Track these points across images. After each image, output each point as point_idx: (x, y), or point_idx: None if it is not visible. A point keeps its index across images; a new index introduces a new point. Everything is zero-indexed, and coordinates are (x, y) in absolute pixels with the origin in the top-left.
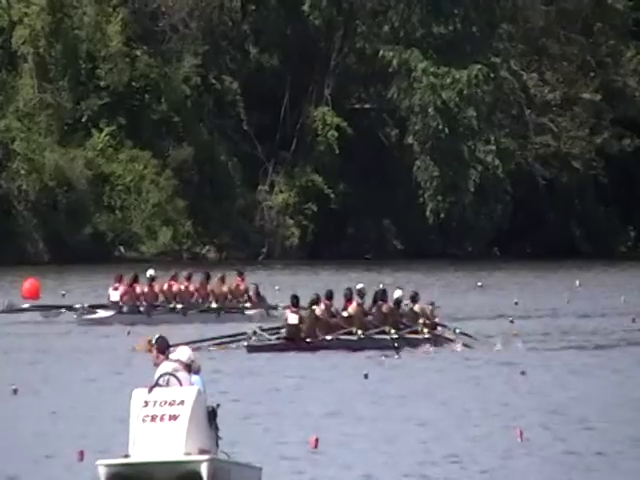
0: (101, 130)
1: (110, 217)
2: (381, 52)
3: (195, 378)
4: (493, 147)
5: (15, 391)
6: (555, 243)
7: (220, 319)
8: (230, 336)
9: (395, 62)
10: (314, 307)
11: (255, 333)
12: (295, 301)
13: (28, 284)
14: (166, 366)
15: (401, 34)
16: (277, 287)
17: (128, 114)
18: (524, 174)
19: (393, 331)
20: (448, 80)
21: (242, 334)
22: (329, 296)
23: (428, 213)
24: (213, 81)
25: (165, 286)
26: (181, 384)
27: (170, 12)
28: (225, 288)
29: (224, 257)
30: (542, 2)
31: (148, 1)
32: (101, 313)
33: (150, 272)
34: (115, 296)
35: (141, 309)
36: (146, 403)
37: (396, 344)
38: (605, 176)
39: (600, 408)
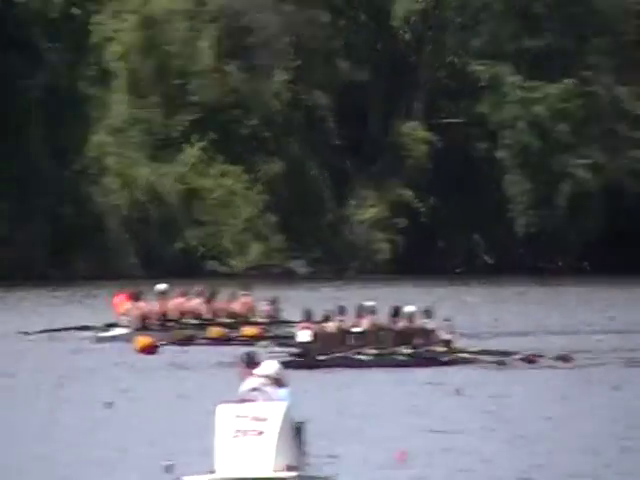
0: (192, 145)
1: (201, 232)
2: (471, 66)
3: (283, 392)
4: (585, 161)
5: (109, 405)
6: None
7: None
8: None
9: (485, 76)
10: (325, 324)
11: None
12: (307, 316)
13: (119, 299)
14: (253, 381)
15: (491, 48)
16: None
17: (219, 129)
18: (616, 188)
19: (407, 350)
20: (539, 94)
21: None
22: (341, 312)
23: (518, 227)
24: (303, 96)
25: (175, 302)
26: (268, 399)
27: (261, 27)
28: (235, 306)
29: (314, 272)
30: (635, 15)
31: (239, 17)
32: (116, 331)
33: (161, 287)
34: (124, 314)
35: (152, 327)
36: (233, 418)
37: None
38: None
39: None
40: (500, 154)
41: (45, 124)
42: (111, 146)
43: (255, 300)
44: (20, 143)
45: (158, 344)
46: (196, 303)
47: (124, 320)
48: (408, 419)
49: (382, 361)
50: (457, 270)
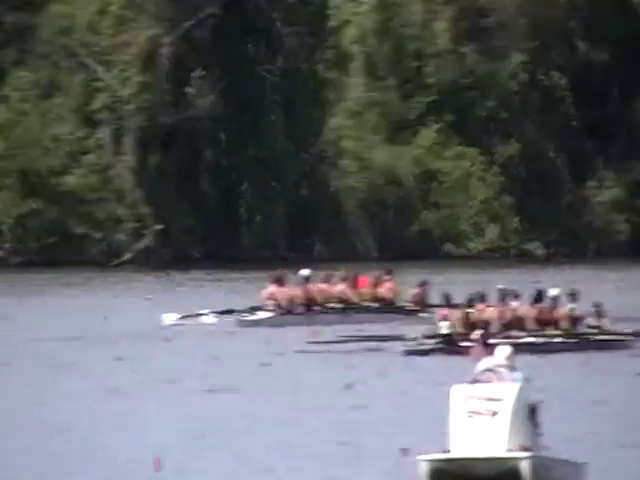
0: (428, 127)
1: (437, 214)
2: None
3: (516, 374)
4: None
5: (349, 386)
6: None
7: (381, 319)
8: (386, 338)
9: None
10: (469, 310)
11: (415, 339)
12: (446, 300)
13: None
14: (488, 361)
15: None
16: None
17: (455, 111)
18: None
19: (555, 334)
20: None
21: (400, 337)
22: (482, 298)
23: None
24: (541, 77)
25: (320, 287)
26: (502, 380)
27: (498, 8)
28: (381, 290)
29: (551, 254)
30: None
31: None
32: (260, 314)
33: (305, 272)
34: (267, 299)
35: (298, 310)
36: (467, 399)
37: None
38: None
39: None
40: None
41: (283, 108)
42: (348, 129)
43: (400, 284)
44: (259, 127)
45: None
46: (340, 288)
47: (269, 305)
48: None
49: (538, 347)
50: None
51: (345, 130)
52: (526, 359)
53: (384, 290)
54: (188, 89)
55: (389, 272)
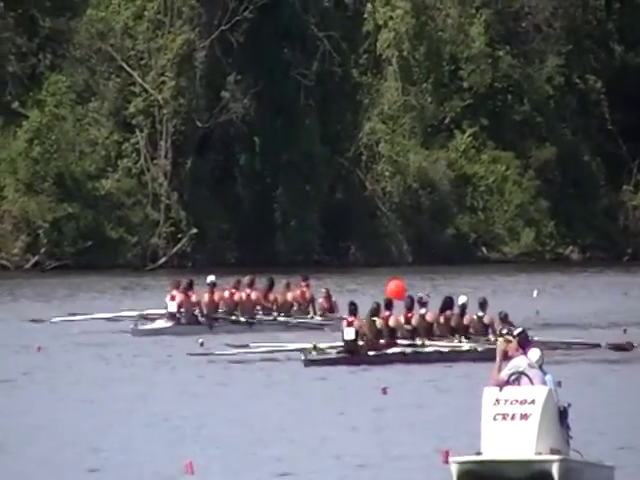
0: (463, 131)
1: (472, 218)
2: None
3: (547, 377)
4: None
5: (384, 390)
6: None
7: (288, 330)
8: (284, 348)
9: None
10: (374, 318)
11: (315, 348)
12: (353, 309)
13: (393, 284)
14: (519, 361)
15: None
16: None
17: (490, 115)
18: None
19: (465, 341)
20: None
21: (301, 350)
22: (388, 306)
23: None
24: (576, 80)
25: (226, 294)
26: (532, 383)
27: (534, 12)
28: (290, 296)
29: (587, 258)
30: None
31: (512, 1)
32: (158, 323)
33: (210, 278)
34: (172, 306)
35: (200, 320)
36: (497, 401)
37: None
38: None
39: None
40: None
41: (318, 112)
42: (383, 133)
43: (314, 292)
44: (294, 131)
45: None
46: (247, 294)
47: (171, 312)
48: None
49: (431, 356)
50: None
51: (380, 134)
52: (432, 367)
53: (294, 297)
54: (223, 93)
55: (305, 279)
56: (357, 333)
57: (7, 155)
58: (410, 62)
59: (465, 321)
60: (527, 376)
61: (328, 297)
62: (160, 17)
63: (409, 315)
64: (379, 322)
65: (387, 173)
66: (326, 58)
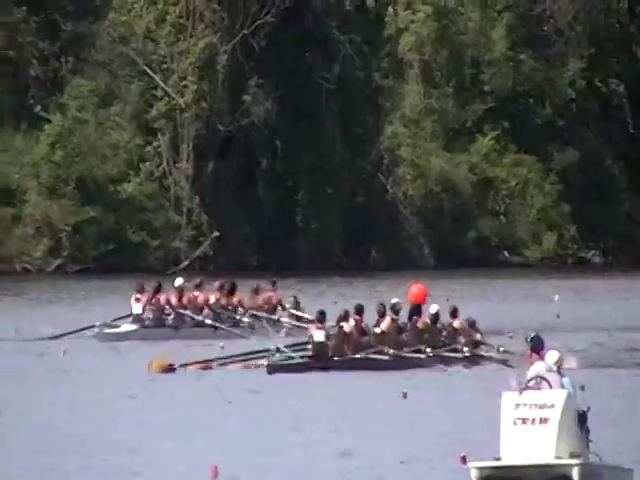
0: (485, 135)
1: (494, 222)
2: None
3: (565, 380)
4: None
5: (405, 395)
6: None
7: (253, 334)
8: (252, 353)
9: None
10: (342, 324)
11: (278, 350)
12: (321, 317)
13: (415, 289)
14: (538, 366)
15: None
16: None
17: (512, 118)
18: None
19: (429, 350)
20: None
21: (265, 351)
22: (359, 311)
23: None
24: (598, 84)
25: (190, 296)
26: (551, 387)
27: (555, 15)
28: (259, 300)
29: (609, 262)
30: None
31: (533, 5)
32: (124, 327)
33: (178, 281)
34: (137, 308)
35: (167, 323)
36: (517, 406)
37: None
38: None
39: None
40: None
41: (340, 115)
42: (405, 136)
43: (281, 296)
44: (315, 134)
45: (175, 366)
46: (214, 297)
47: (135, 315)
48: None
49: (401, 363)
50: None
51: (402, 137)
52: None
53: (262, 301)
54: (245, 97)
55: (274, 283)
56: (327, 337)
57: (30, 159)
58: (432, 65)
59: (437, 329)
60: (546, 380)
61: (296, 304)
62: (182, 21)
63: (380, 321)
64: (347, 326)
65: (408, 177)
66: (347, 62)
